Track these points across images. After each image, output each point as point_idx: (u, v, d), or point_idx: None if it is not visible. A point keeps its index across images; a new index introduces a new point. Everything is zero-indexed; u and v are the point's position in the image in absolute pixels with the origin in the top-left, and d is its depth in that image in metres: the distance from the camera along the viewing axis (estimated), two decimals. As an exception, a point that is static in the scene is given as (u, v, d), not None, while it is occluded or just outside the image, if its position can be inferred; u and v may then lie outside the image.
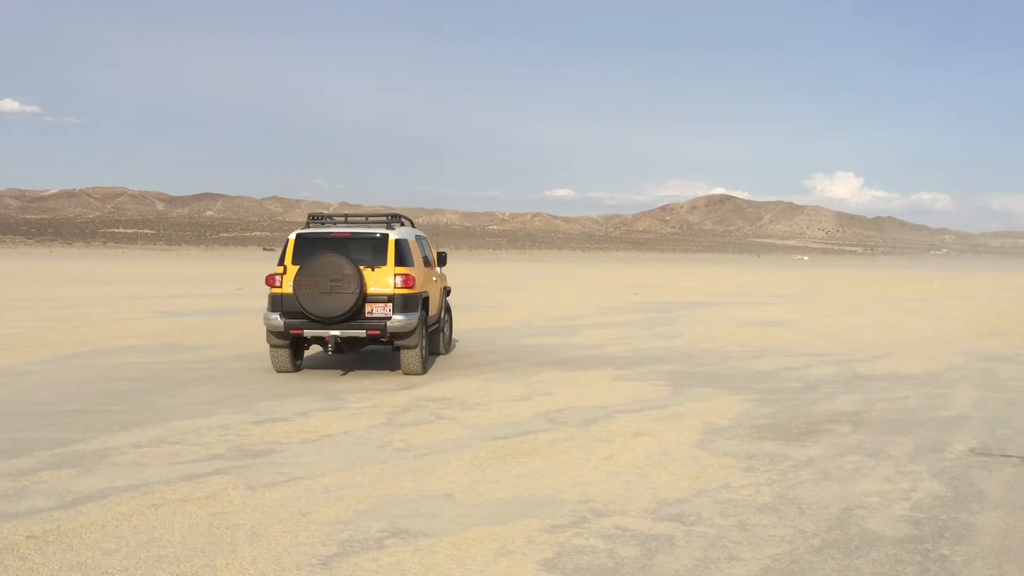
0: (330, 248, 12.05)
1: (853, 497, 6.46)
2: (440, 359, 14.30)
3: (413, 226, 14.23)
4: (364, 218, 13.49)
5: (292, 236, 12.42)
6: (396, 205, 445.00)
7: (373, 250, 12.16)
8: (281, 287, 12.04)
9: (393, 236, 12.25)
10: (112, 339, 16.57)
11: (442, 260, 14.57)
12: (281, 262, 12.20)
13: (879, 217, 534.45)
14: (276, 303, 12.05)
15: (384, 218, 13.24)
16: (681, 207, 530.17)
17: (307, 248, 12.14)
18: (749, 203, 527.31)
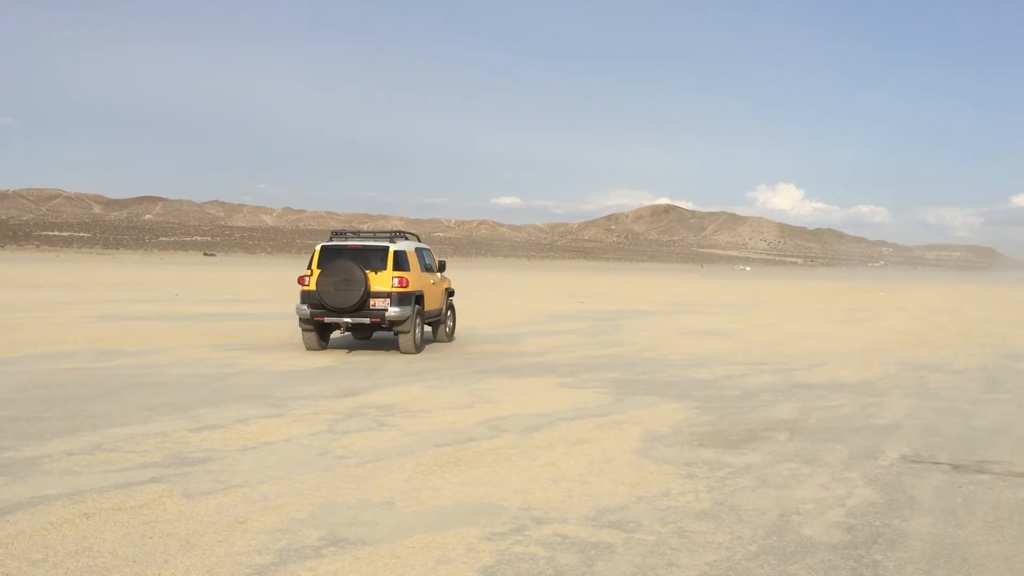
0: (345, 257, 15.68)
1: (790, 503, 6.56)
2: (380, 367, 14.24)
3: (419, 240, 17.93)
4: (373, 234, 16.80)
5: (318, 247, 16.12)
6: (340, 211, 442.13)
7: (378, 258, 15.76)
8: (309, 285, 15.66)
9: (393, 248, 15.92)
10: (47, 344, 16.16)
11: (442, 267, 18.10)
12: (309, 267, 15.90)
13: (819, 229, 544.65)
14: (305, 297, 15.75)
15: (389, 234, 16.66)
16: (626, 216, 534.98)
17: (328, 256, 15.83)
18: (693, 213, 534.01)
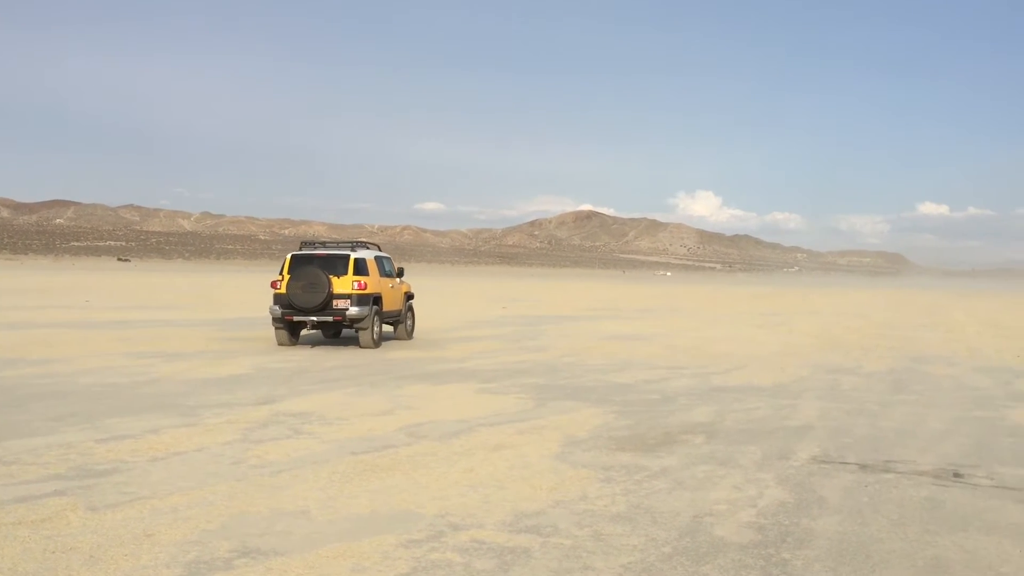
0: (311, 263, 17.99)
1: (704, 505, 6.67)
2: (299, 373, 14.04)
3: (380, 250, 20.29)
4: (337, 243, 19.44)
5: (288, 256, 18.43)
6: (261, 216, 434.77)
7: (340, 265, 18.05)
8: (280, 288, 17.88)
9: (353, 256, 18.25)
10: (-55, 353, 15.48)
11: (400, 273, 20.53)
12: (280, 272, 18.12)
13: (737, 235, 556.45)
14: (276, 299, 18.02)
15: (351, 244, 19.24)
16: (550, 222, 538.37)
17: (297, 263, 18.11)
18: (615, 219, 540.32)
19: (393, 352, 17.74)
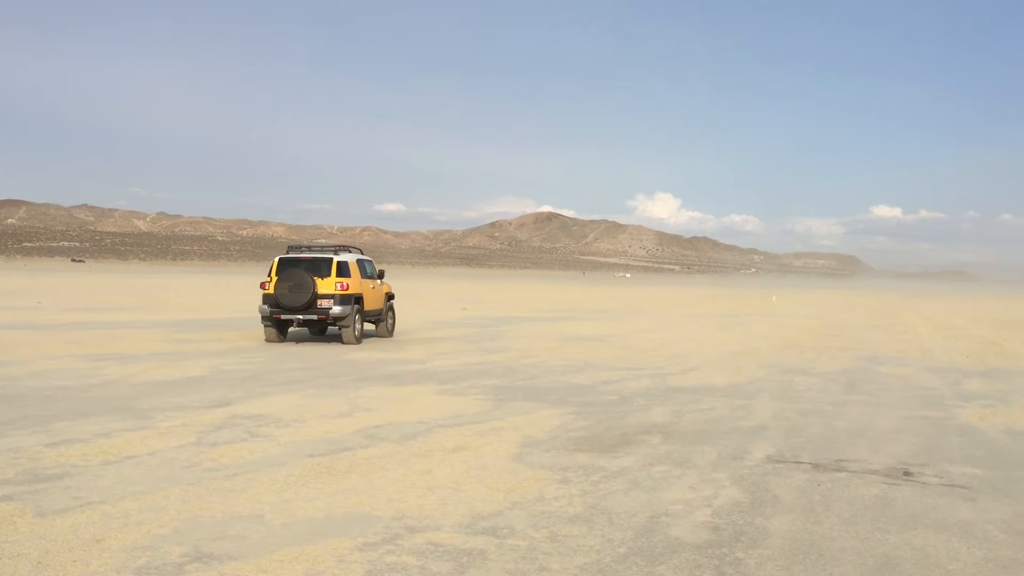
0: (297, 266, 19.28)
1: (659, 505, 6.71)
2: (256, 376, 13.91)
3: (362, 253, 21.48)
4: (322, 247, 20.50)
5: (276, 259, 19.60)
6: (218, 216, 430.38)
7: (324, 267, 19.35)
8: (268, 289, 19.13)
9: (336, 259, 19.53)
10: None
11: (381, 275, 21.83)
12: (269, 274, 19.37)
13: (695, 237, 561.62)
14: (265, 299, 19.19)
15: (334, 247, 20.45)
16: (510, 224, 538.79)
17: (284, 266, 19.33)
18: (575, 221, 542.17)
19: (352, 353, 17.64)
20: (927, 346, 23.25)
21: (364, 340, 20.46)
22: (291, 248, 20.35)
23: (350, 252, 20.58)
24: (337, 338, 20.40)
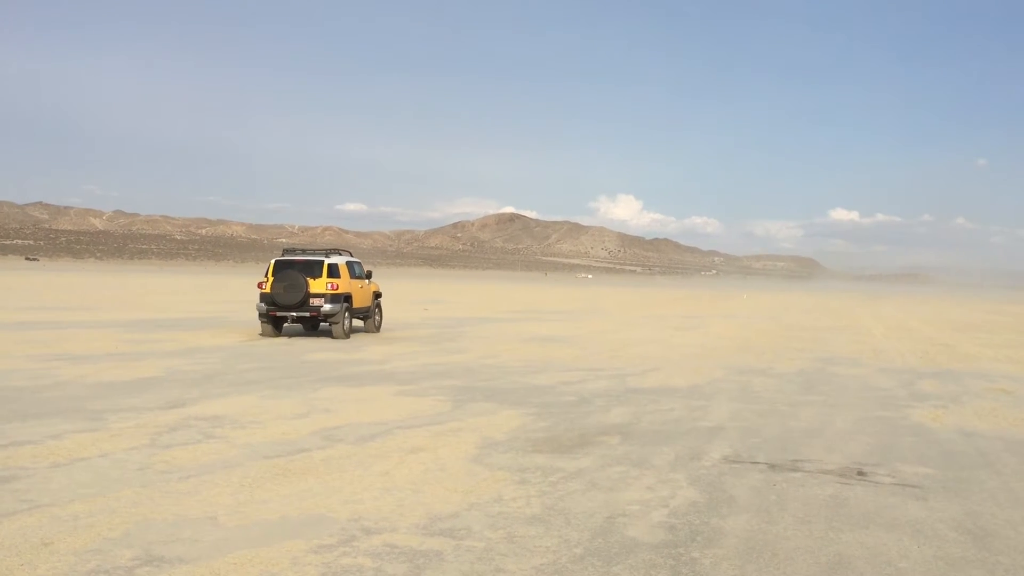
0: (291, 267, 21.03)
1: (617, 506, 6.73)
2: (212, 376, 13.74)
3: (351, 255, 23.33)
4: (314, 251, 22.06)
5: (272, 261, 21.49)
6: (176, 215, 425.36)
7: (316, 269, 21.04)
8: (265, 288, 20.86)
9: (327, 261, 21.28)
10: None
11: (369, 275, 23.65)
12: (266, 275, 21.11)
13: (657, 239, 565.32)
14: (262, 298, 20.99)
15: (326, 251, 22.04)
16: (472, 224, 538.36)
17: (280, 267, 21.11)
18: (537, 222, 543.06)
19: (311, 354, 17.50)
20: (882, 347, 23.60)
21: (352, 335, 22.10)
22: (286, 251, 22.18)
23: (340, 255, 22.46)
24: (327, 332, 22.17)
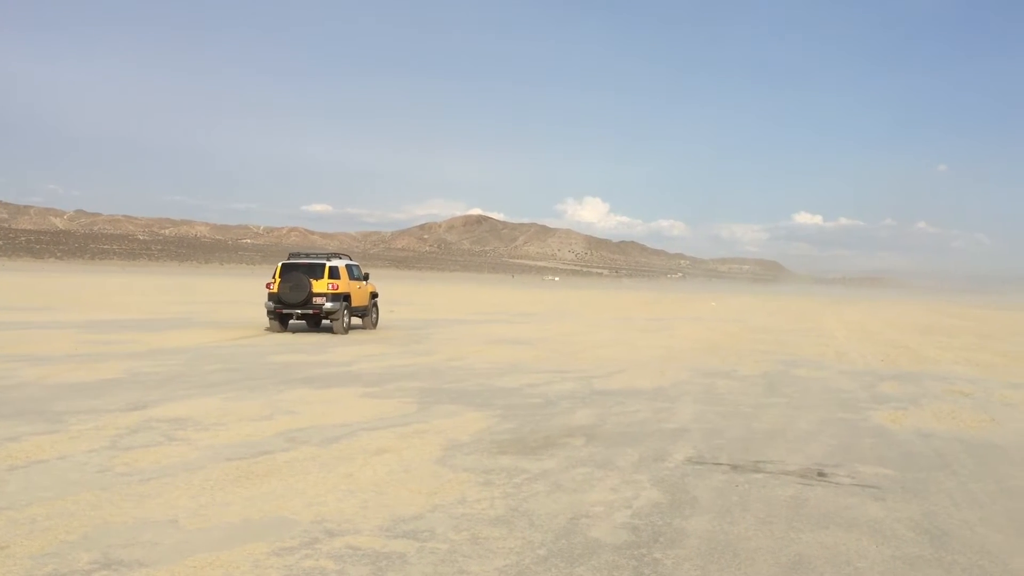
0: (296, 269, 23.28)
1: (581, 507, 6.75)
2: (175, 378, 13.60)
3: (351, 259, 25.58)
4: (317, 254, 24.35)
5: (279, 264, 23.60)
6: (139, 215, 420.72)
7: (319, 271, 23.20)
8: (273, 288, 23.10)
9: (328, 264, 23.43)
10: None
11: (366, 277, 25.87)
12: (273, 276, 23.30)
13: (623, 241, 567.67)
14: (270, 297, 23.28)
15: (327, 254, 24.38)
16: (439, 226, 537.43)
17: (286, 270, 23.31)
18: (505, 224, 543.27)
19: (276, 356, 17.37)
20: (844, 350, 23.89)
21: (350, 332, 24.24)
22: (291, 255, 24.40)
23: (340, 259, 24.75)
24: (328, 329, 24.12)
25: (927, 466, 8.79)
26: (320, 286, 22.95)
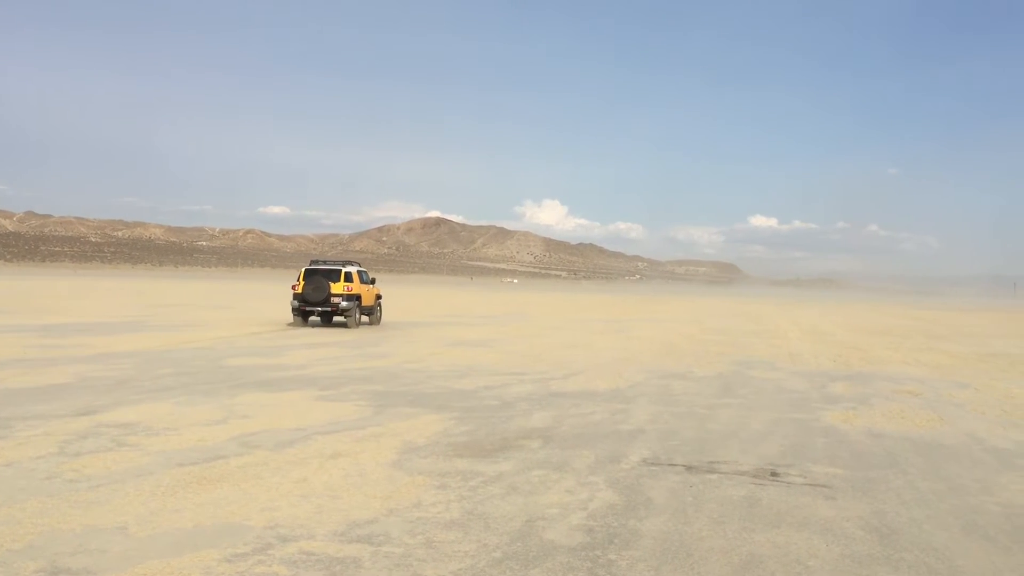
0: (318, 274, 27.65)
1: (536, 509, 6.76)
2: (125, 382, 13.38)
3: (360, 266, 29.89)
4: (335, 261, 28.69)
5: (303, 269, 28.10)
6: (92, 217, 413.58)
7: (336, 275, 27.64)
8: (298, 289, 27.63)
9: (344, 269, 27.87)
10: None
11: (373, 281, 30.22)
12: (298, 279, 27.88)
13: (582, 243, 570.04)
14: (295, 296, 27.84)
15: (343, 262, 28.84)
16: (398, 228, 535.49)
17: (309, 274, 27.71)
18: (463, 226, 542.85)
19: (231, 359, 17.17)
20: (797, 351, 24.21)
21: (347, 330, 26.97)
22: (313, 262, 28.72)
23: (353, 265, 29.01)
24: (342, 324, 28.27)
25: (877, 465, 8.94)
26: (337, 288, 27.33)
